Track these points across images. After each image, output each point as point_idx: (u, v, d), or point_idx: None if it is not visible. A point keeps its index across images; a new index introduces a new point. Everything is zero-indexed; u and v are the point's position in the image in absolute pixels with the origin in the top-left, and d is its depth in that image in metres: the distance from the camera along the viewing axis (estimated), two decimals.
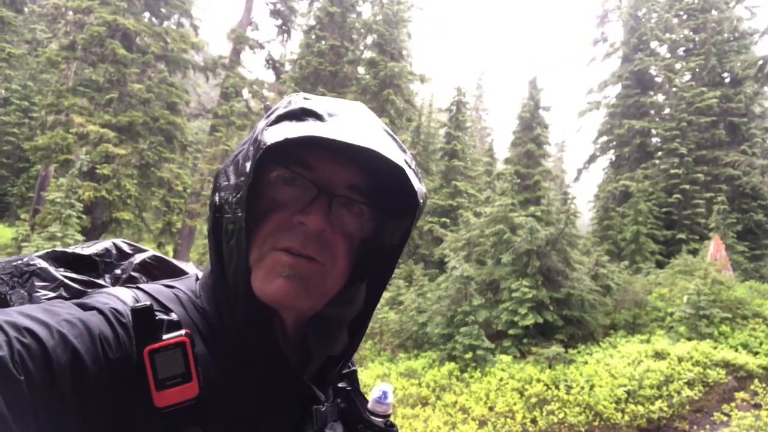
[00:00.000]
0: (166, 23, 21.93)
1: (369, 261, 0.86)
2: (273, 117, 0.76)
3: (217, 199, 0.77)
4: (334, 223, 0.77)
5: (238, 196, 0.72)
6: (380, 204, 0.82)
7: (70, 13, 19.12)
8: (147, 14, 21.22)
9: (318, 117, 0.74)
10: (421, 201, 0.77)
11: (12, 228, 20.13)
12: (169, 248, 21.45)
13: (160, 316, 0.69)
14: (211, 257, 0.80)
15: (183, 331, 0.69)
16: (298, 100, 0.78)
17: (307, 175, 0.75)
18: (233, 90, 23.60)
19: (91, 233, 16.60)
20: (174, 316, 0.71)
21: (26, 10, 27.04)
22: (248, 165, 0.72)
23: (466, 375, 9.85)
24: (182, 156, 21.98)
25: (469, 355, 10.14)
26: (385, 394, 0.99)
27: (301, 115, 0.74)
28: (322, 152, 0.74)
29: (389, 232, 0.86)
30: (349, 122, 0.75)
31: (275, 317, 0.80)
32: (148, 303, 0.69)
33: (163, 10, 21.53)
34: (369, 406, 0.98)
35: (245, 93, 25.19)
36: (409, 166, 0.77)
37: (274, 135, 0.70)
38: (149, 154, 18.73)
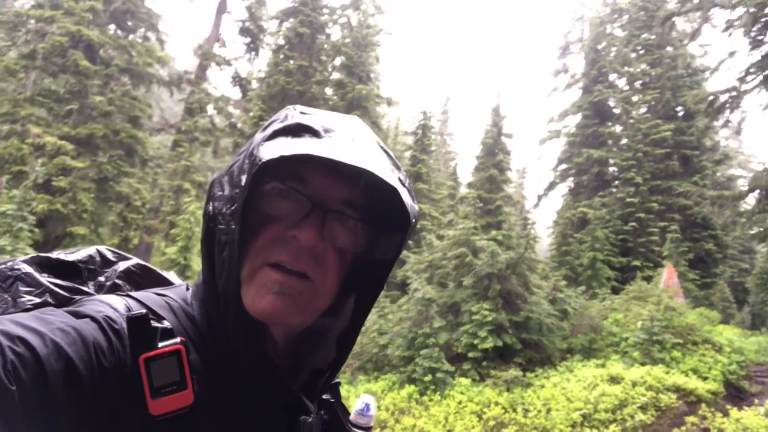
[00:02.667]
0: (131, 36, 21.61)
1: (358, 274, 0.87)
2: (269, 131, 0.76)
3: (210, 208, 0.77)
4: (326, 238, 0.78)
5: (233, 208, 0.72)
6: (373, 219, 0.83)
7: (32, 21, 18.67)
8: (112, 26, 20.89)
9: (314, 133, 0.75)
10: (413, 219, 0.79)
11: None
12: None
13: (154, 323, 0.69)
14: (203, 267, 0.80)
15: (178, 339, 0.69)
16: (294, 115, 0.79)
17: (301, 190, 0.76)
18: (198, 106, 23.35)
19: (43, 247, 16.03)
20: (167, 324, 0.70)
21: None
22: (243, 178, 0.72)
23: (425, 398, 9.82)
24: (142, 171, 21.54)
25: (428, 378, 10.13)
26: (367, 406, 0.99)
27: (297, 130, 0.75)
28: (317, 167, 0.75)
29: (381, 247, 0.86)
30: (345, 139, 0.76)
31: (266, 329, 0.80)
32: (143, 311, 0.69)
33: (129, 23, 21.24)
34: (351, 418, 0.98)
35: (210, 109, 24.97)
36: (403, 185, 0.79)
37: (270, 151, 0.71)
38: (108, 168, 18.28)
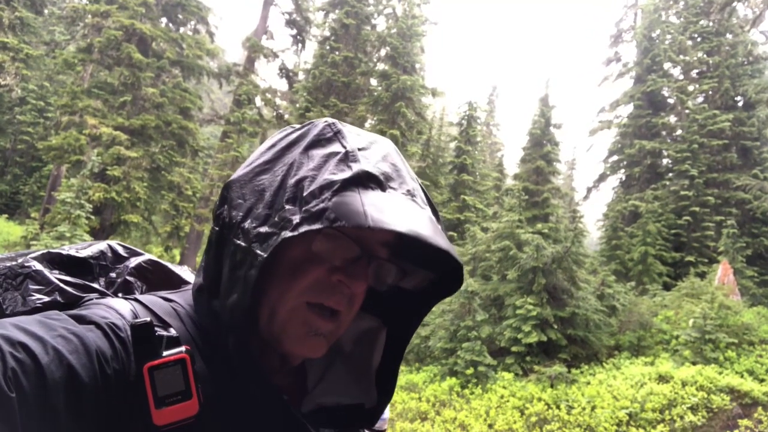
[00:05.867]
0: (182, 29, 22.19)
1: (390, 306, 0.88)
2: (335, 178, 0.70)
3: (226, 214, 0.75)
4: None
5: (261, 230, 0.70)
6: (401, 256, 0.82)
7: (89, 16, 19.38)
8: (164, 20, 21.49)
9: (380, 185, 0.72)
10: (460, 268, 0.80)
11: (22, 226, 20.31)
12: (177, 252, 21.56)
13: (160, 331, 0.68)
14: (207, 270, 0.78)
15: (183, 348, 0.67)
16: (356, 154, 0.74)
17: (350, 234, 0.73)
18: (246, 97, 23.78)
19: (99, 234, 16.71)
20: (173, 332, 0.69)
21: (46, 12, 27.45)
22: (290, 209, 0.69)
23: (466, 391, 9.78)
24: (193, 161, 22.17)
25: (470, 371, 10.07)
26: None
27: (366, 182, 0.71)
28: None
29: (407, 278, 0.85)
30: (404, 192, 0.74)
31: (272, 353, 0.79)
32: (148, 319, 0.68)
33: (180, 16, 21.79)
34: None
35: (258, 101, 25.39)
36: (438, 223, 0.77)
37: (349, 212, 0.65)
38: (160, 158, 18.89)
